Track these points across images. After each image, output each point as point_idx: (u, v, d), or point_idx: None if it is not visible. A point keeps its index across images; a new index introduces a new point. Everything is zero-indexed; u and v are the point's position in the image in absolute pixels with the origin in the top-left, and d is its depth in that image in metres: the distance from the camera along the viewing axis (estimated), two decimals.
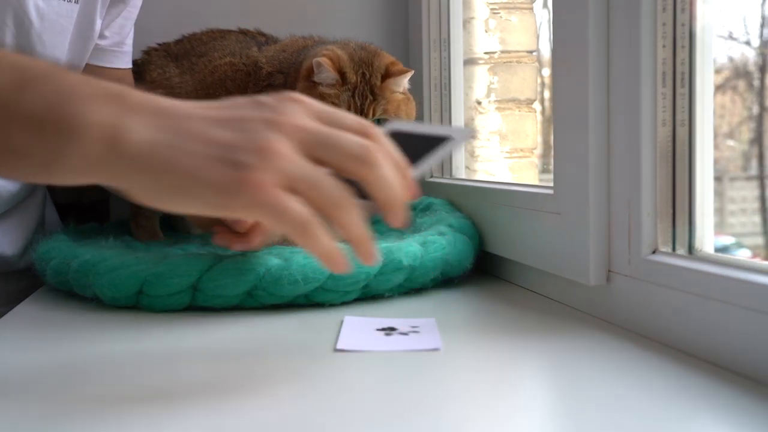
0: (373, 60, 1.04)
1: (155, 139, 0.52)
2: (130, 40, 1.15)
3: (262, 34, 1.21)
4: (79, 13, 1.04)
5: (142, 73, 1.20)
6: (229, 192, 0.51)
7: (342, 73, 1.02)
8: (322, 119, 0.56)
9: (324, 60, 1.01)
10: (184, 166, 0.51)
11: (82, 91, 0.53)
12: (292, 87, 1.07)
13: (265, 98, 0.57)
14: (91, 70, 1.11)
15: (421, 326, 0.77)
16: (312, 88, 1.03)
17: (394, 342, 0.72)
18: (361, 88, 1.01)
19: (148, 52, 1.22)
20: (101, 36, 1.10)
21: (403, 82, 1.04)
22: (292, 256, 0.87)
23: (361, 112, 1.01)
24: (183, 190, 0.52)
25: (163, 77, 1.17)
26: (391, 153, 0.58)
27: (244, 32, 1.21)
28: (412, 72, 1.05)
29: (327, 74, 1.01)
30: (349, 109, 1.01)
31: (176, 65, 1.16)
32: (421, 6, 1.33)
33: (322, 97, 1.02)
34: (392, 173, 0.56)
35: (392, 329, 0.76)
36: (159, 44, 1.22)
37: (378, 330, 0.75)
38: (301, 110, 0.56)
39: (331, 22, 1.41)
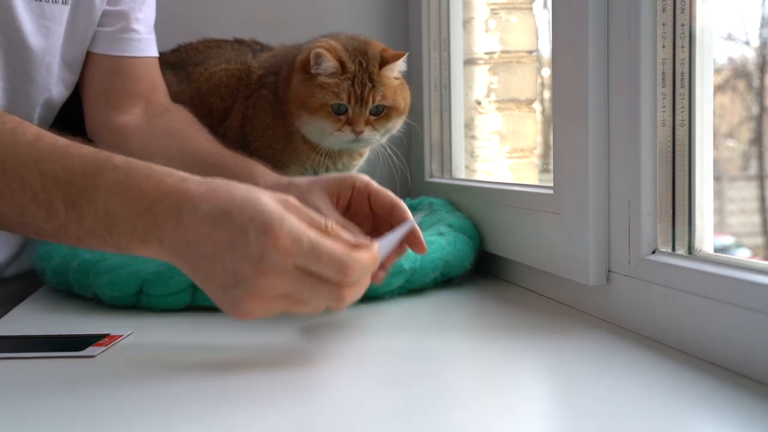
0: (366, 49, 1.05)
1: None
2: (142, 26, 1.10)
3: (258, 43, 1.22)
4: (70, 15, 1.03)
5: None
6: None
7: (341, 62, 1.03)
8: (299, 266, 0.62)
9: (323, 50, 1.01)
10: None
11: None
12: (284, 84, 1.08)
13: (249, 258, 0.62)
14: (99, 60, 1.08)
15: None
16: (310, 80, 1.03)
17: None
18: (360, 77, 1.03)
19: None
20: (106, 23, 1.07)
21: (398, 67, 1.05)
22: None
23: (362, 99, 1.03)
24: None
25: None
26: (360, 286, 0.65)
27: (239, 41, 1.22)
28: (407, 54, 1.06)
29: (328, 63, 1.02)
30: (349, 97, 1.02)
31: (173, 74, 1.17)
32: (421, 6, 1.33)
33: (321, 87, 1.02)
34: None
35: None
36: None
37: None
38: (281, 265, 0.61)
39: (331, 23, 1.41)
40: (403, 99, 1.07)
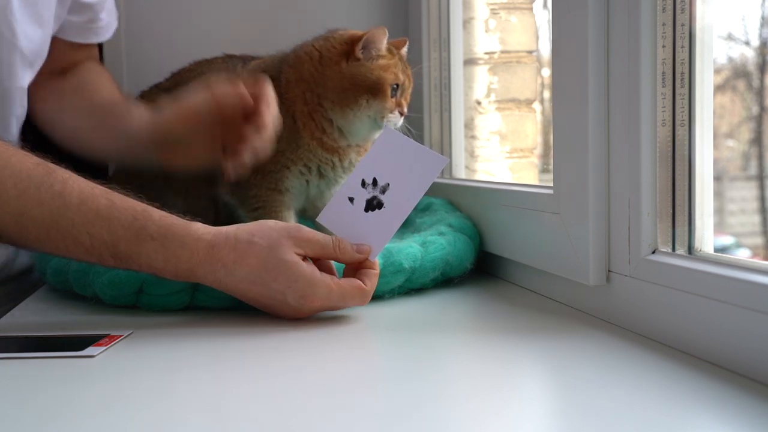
0: None
1: None
2: (105, 13, 1.14)
3: (249, 56, 1.21)
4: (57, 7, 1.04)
5: None
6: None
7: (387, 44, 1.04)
8: (327, 308, 0.80)
9: (384, 29, 1.00)
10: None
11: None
12: (287, 86, 1.06)
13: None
14: (63, 47, 1.11)
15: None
16: (362, 65, 1.01)
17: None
18: (399, 57, 1.04)
19: (141, 95, 1.23)
20: (74, 12, 1.09)
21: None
22: None
23: (409, 79, 1.04)
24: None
25: None
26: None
27: (230, 56, 1.22)
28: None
29: (383, 45, 1.01)
30: (403, 77, 1.02)
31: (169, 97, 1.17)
32: (421, 6, 1.33)
33: (383, 69, 1.00)
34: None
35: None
36: (151, 86, 1.23)
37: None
38: (313, 310, 0.80)
39: (330, 24, 1.41)
40: None
